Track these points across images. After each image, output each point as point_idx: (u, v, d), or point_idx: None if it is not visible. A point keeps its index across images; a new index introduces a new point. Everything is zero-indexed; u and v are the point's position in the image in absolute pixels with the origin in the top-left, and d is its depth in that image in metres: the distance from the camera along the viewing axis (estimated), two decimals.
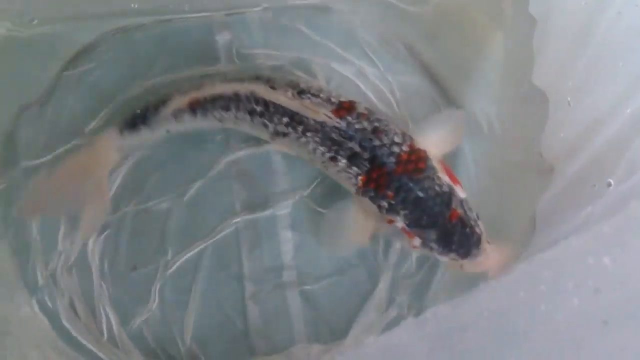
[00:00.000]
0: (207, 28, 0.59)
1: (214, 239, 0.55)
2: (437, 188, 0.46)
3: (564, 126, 0.42)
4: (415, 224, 0.46)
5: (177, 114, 0.51)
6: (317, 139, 0.48)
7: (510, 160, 0.53)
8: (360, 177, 0.47)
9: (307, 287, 0.55)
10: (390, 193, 0.46)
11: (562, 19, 0.40)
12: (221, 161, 0.56)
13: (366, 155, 0.47)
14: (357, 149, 0.47)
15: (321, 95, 0.49)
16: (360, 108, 0.49)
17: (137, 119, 0.51)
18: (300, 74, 0.58)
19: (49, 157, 0.55)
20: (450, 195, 0.46)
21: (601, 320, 0.26)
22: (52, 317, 0.53)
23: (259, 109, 0.49)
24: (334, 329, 0.54)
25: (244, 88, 0.49)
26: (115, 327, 0.53)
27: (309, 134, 0.48)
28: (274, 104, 0.48)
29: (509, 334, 0.27)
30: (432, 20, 0.56)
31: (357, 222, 0.50)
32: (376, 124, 0.47)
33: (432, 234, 0.46)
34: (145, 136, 0.52)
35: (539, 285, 0.26)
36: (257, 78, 0.50)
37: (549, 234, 0.41)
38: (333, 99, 0.49)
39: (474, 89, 0.56)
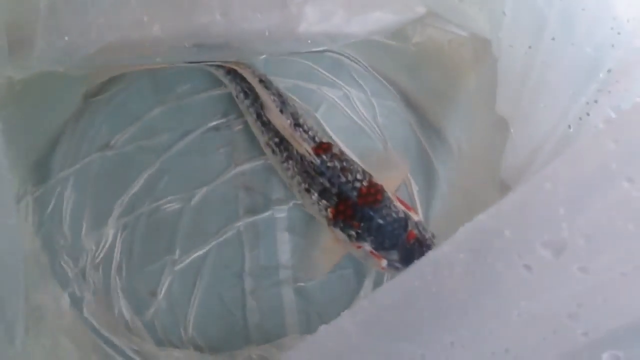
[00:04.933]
0: None
1: (218, 240, 0.60)
2: (394, 215, 0.52)
3: (516, 150, 0.48)
4: (380, 247, 0.52)
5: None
6: (296, 169, 0.56)
7: (476, 179, 0.59)
8: (329, 210, 0.54)
9: (301, 284, 0.59)
10: (356, 223, 0.52)
11: (513, 57, 0.47)
12: (228, 172, 0.62)
13: (334, 190, 0.54)
14: (327, 184, 0.54)
15: (309, 132, 0.57)
16: (335, 149, 0.56)
17: None
18: (295, 99, 0.65)
19: (76, 166, 0.61)
20: (405, 219, 0.52)
21: None
22: (81, 308, 0.57)
23: (264, 118, 0.58)
24: (324, 322, 0.58)
25: (264, 96, 0.58)
26: (129, 317, 0.58)
27: (290, 161, 0.56)
28: (275, 123, 0.57)
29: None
30: (412, 55, 0.63)
31: (328, 249, 0.57)
32: (344, 164, 0.55)
33: (395, 255, 0.51)
34: None
35: None
36: (278, 95, 0.59)
37: None
38: (317, 138, 0.57)
39: (448, 116, 0.63)
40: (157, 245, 0.60)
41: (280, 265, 0.60)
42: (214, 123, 0.64)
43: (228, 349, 0.58)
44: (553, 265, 0.28)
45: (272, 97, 0.59)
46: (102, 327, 0.57)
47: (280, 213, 0.61)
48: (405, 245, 0.51)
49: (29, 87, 0.53)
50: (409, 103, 0.67)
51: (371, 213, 0.52)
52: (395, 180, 0.60)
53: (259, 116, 0.59)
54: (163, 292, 0.59)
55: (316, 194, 0.54)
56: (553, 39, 0.41)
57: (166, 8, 0.48)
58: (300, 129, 0.57)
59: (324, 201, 0.54)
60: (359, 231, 0.52)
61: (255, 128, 0.60)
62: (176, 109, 0.64)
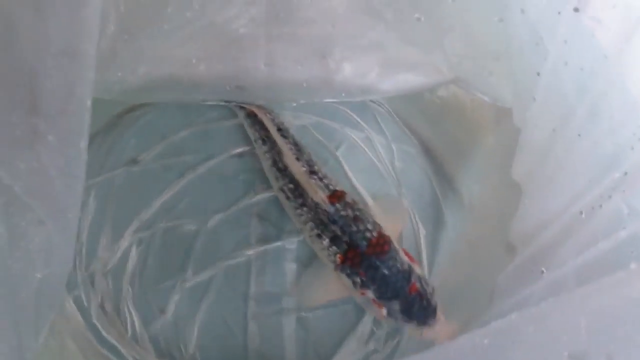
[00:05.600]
0: None
1: (228, 264, 0.61)
2: (398, 266, 0.53)
3: (526, 217, 0.51)
4: (383, 297, 0.53)
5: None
6: (309, 215, 0.57)
7: (483, 234, 0.61)
8: (338, 256, 0.55)
9: (303, 314, 0.61)
10: (362, 271, 0.54)
11: (536, 135, 0.49)
12: (245, 199, 0.63)
13: (345, 238, 0.55)
14: (338, 232, 0.55)
15: (324, 180, 0.58)
16: (348, 198, 0.57)
17: None
18: (318, 136, 0.67)
19: (101, 177, 0.63)
20: (409, 272, 0.53)
21: None
22: (85, 314, 0.59)
23: (280, 164, 0.59)
24: (320, 353, 0.60)
25: (281, 143, 0.59)
26: (137, 328, 0.59)
27: (304, 208, 0.57)
28: (291, 170, 0.58)
29: None
30: (436, 107, 0.65)
31: (331, 285, 0.58)
32: (357, 213, 0.56)
33: (396, 305, 0.53)
34: None
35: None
36: (294, 143, 0.61)
37: (499, 306, 0.49)
38: (331, 186, 0.58)
39: (463, 169, 0.65)
40: (171, 263, 0.61)
41: (285, 293, 0.62)
42: (239, 150, 0.65)
43: None
44: None
45: (288, 145, 0.60)
46: (108, 334, 0.59)
47: (291, 244, 0.63)
48: (407, 296, 0.52)
49: None
50: (427, 151, 0.69)
51: (377, 263, 0.53)
52: (397, 225, 0.61)
53: (275, 162, 0.60)
54: (171, 308, 0.60)
55: (327, 240, 0.56)
56: (579, 135, 0.43)
57: (215, 53, 0.50)
58: (316, 177, 0.58)
59: (334, 247, 0.55)
60: (364, 279, 0.54)
61: (271, 174, 0.61)
62: (203, 132, 0.65)
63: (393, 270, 0.53)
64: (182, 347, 0.59)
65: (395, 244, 0.56)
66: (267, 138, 0.62)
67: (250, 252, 0.62)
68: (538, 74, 0.46)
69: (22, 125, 0.30)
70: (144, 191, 0.63)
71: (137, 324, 0.60)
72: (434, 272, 0.65)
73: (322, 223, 0.56)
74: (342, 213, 0.56)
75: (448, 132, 0.67)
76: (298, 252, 0.63)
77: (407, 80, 0.58)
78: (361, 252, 0.54)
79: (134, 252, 0.61)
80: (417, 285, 0.53)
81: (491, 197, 0.62)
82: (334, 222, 0.56)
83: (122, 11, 0.42)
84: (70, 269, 0.44)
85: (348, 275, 0.55)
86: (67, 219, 0.36)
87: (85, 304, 0.60)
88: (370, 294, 0.54)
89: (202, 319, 0.60)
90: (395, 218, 0.62)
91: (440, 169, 0.68)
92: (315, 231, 0.57)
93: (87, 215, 0.62)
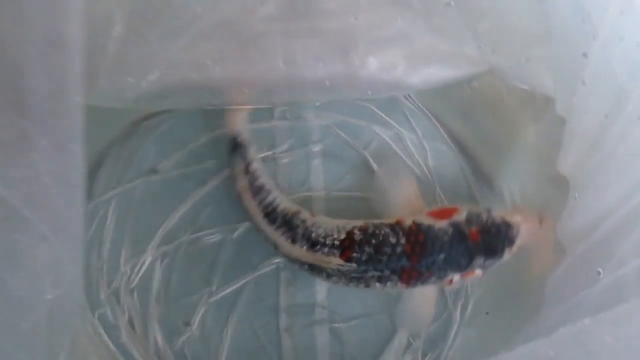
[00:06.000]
0: None
1: (256, 274, 0.59)
2: (445, 238, 0.50)
3: (576, 213, 0.47)
4: (463, 268, 0.50)
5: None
6: (342, 280, 0.52)
7: None
8: (399, 284, 0.52)
9: (336, 325, 0.59)
10: (427, 274, 0.51)
11: (585, 122, 0.45)
12: None
13: (387, 272, 0.51)
14: (377, 274, 0.51)
15: (327, 241, 0.52)
16: (357, 236, 0.51)
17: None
18: (344, 135, 0.64)
19: (119, 189, 0.61)
20: (456, 230, 0.50)
21: None
22: (111, 333, 0.58)
23: (283, 250, 0.54)
24: None
25: (272, 234, 0.54)
26: (161, 344, 0.57)
27: (333, 277, 0.52)
28: (295, 255, 0.53)
29: None
30: (468, 99, 0.61)
31: (424, 298, 0.54)
32: (373, 241, 0.51)
33: (479, 260, 0.50)
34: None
35: None
36: (288, 222, 0.54)
37: (549, 313, 0.46)
38: (336, 242, 0.51)
39: (501, 165, 0.61)
40: (196, 276, 0.60)
41: (317, 304, 0.60)
42: (262, 155, 0.62)
43: None
44: None
45: (278, 231, 0.54)
46: (139, 353, 0.58)
47: None
48: (478, 246, 0.50)
49: None
50: (463, 148, 0.65)
51: (430, 259, 0.50)
52: (409, 186, 0.57)
53: (276, 248, 0.55)
54: (197, 322, 0.58)
55: (377, 284, 0.52)
56: (639, 117, 0.39)
57: (231, 53, 0.47)
58: (319, 247, 0.52)
59: (388, 283, 0.52)
60: (434, 276, 0.51)
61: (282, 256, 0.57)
62: (224, 138, 0.62)
63: (445, 247, 0.50)
64: None
65: (423, 219, 0.52)
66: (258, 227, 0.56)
67: (279, 259, 0.60)
68: (584, 54, 0.42)
69: (10, 129, 0.28)
70: (165, 202, 0.61)
71: (160, 340, 0.58)
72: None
73: (358, 278, 0.52)
74: (363, 257, 0.51)
75: (484, 127, 0.63)
76: None
77: (437, 73, 0.55)
78: (410, 267, 0.50)
79: (157, 267, 0.60)
80: (474, 228, 0.50)
81: (535, 195, 0.58)
82: (365, 270, 0.51)
83: (127, 9, 0.39)
84: (80, 288, 0.42)
85: (423, 283, 0.52)
86: (71, 233, 0.34)
87: (112, 321, 0.58)
88: (455, 277, 0.51)
89: (232, 334, 0.59)
90: (404, 179, 0.58)
91: (478, 167, 0.64)
92: (361, 285, 0.53)
93: (107, 229, 0.60)
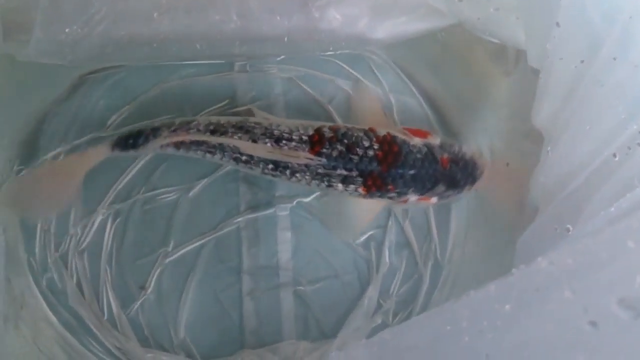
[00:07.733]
0: None
1: (216, 234, 0.57)
2: (418, 155, 0.51)
3: (547, 169, 0.45)
4: (425, 191, 0.51)
5: (163, 147, 0.52)
6: (307, 177, 0.51)
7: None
8: (360, 189, 0.51)
9: (301, 287, 0.57)
10: (391, 186, 0.51)
11: (560, 70, 0.43)
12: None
13: (355, 173, 0.50)
14: (344, 172, 0.51)
15: (294, 136, 0.51)
16: (327, 133, 0.51)
17: (128, 142, 0.52)
18: (308, 89, 0.61)
19: (65, 147, 0.57)
20: (430, 151, 0.51)
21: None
22: (60, 296, 0.55)
23: (244, 157, 0.51)
24: (323, 329, 0.57)
25: (227, 141, 0.51)
26: (115, 311, 0.55)
27: (297, 174, 0.51)
28: (258, 155, 0.51)
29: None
30: (437, 50, 0.58)
31: (363, 206, 0.54)
32: (345, 140, 0.51)
33: (441, 187, 0.51)
34: (133, 155, 0.55)
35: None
36: (238, 128, 0.51)
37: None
38: (304, 137, 0.51)
39: (471, 120, 0.59)
40: (151, 237, 0.57)
41: (281, 266, 0.58)
42: (217, 106, 0.59)
43: (222, 355, 0.56)
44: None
45: (235, 136, 0.51)
46: (86, 318, 0.55)
47: (283, 211, 0.59)
48: (445, 173, 0.51)
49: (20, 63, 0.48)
50: (431, 102, 0.63)
51: (400, 171, 0.50)
52: (375, 101, 0.59)
53: (238, 160, 0.52)
54: (152, 285, 0.56)
55: (340, 185, 0.51)
56: (614, 58, 0.37)
57: (178, 4, 0.43)
58: (284, 141, 0.51)
59: (351, 186, 0.51)
60: (398, 190, 0.51)
61: (246, 169, 0.54)
62: (177, 90, 0.59)
63: (417, 164, 0.51)
64: (172, 331, 0.56)
65: (397, 133, 0.52)
66: (212, 148, 0.52)
67: (240, 219, 0.58)
68: None
69: None
70: (117, 159, 0.56)
71: (114, 306, 0.56)
72: (447, 242, 0.60)
73: (324, 174, 0.51)
74: (334, 153, 0.50)
75: (454, 82, 0.60)
76: (292, 219, 0.59)
77: (403, 25, 0.52)
78: (378, 173, 0.50)
79: (109, 227, 0.57)
80: (445, 156, 0.51)
81: (506, 151, 0.56)
82: (334, 167, 0.50)
83: None
84: None
85: (381, 197, 0.52)
86: None
87: (60, 287, 0.56)
88: (412, 197, 0.52)
89: (191, 298, 0.57)
90: (369, 94, 0.60)
91: (446, 122, 0.62)
92: (324, 184, 0.52)
93: None
